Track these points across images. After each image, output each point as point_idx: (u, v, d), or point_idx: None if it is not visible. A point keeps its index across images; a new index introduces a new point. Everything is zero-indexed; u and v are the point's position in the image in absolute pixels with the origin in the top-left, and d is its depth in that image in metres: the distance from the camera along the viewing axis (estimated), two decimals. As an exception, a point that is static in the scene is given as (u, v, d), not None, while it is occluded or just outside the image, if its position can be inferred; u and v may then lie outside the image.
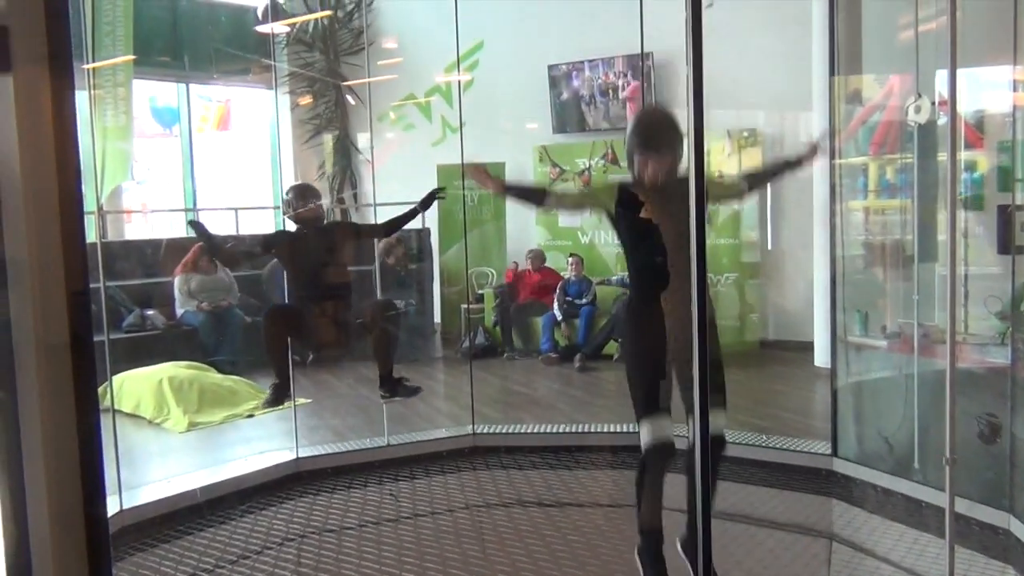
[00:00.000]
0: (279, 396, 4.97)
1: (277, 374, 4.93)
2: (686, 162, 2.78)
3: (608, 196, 3.36)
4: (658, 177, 3.21)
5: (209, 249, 5.21)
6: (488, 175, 3.62)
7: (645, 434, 3.22)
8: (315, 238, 4.93)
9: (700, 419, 1.81)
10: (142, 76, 9.62)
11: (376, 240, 6.52)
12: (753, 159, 8.48)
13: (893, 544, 4.10)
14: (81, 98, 6.58)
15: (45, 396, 1.26)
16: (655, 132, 3.29)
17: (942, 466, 2.81)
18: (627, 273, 3.48)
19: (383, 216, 6.01)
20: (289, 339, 5.04)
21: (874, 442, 4.97)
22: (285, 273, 5.38)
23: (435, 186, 5.32)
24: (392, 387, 5.15)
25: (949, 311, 2.87)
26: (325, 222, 5.22)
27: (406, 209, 5.08)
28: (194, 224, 4.96)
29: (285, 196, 5.05)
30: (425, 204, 5.07)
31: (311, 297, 4.88)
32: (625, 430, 5.69)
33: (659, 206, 3.22)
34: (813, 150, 3.67)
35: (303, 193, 5.04)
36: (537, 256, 9.05)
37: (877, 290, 5.64)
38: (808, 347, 7.55)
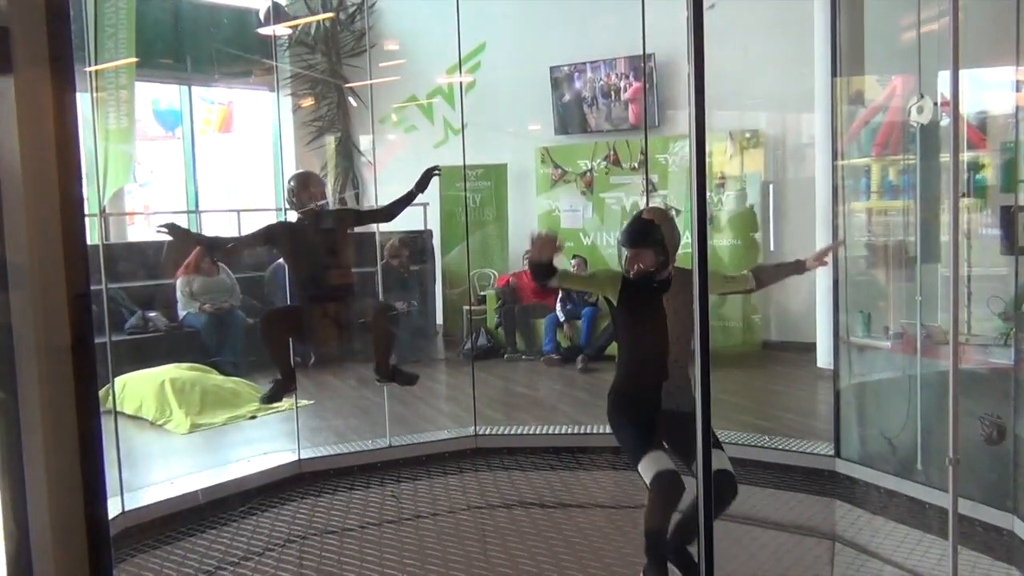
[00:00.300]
0: (280, 391, 4.95)
1: (281, 371, 4.91)
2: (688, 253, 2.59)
3: (612, 285, 3.54)
4: (638, 270, 3.45)
5: (204, 247, 5.14)
6: (553, 247, 3.51)
7: (647, 469, 3.33)
8: (317, 227, 4.86)
9: (702, 419, 1.81)
10: (144, 78, 9.64)
11: (378, 233, 6.52)
12: (755, 160, 8.48)
13: (896, 545, 4.10)
14: (83, 100, 6.59)
15: (46, 398, 1.26)
16: (635, 229, 3.54)
17: (945, 467, 2.80)
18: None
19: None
20: (289, 339, 5.04)
21: (877, 443, 4.96)
22: (286, 265, 5.33)
23: (435, 183, 5.26)
24: (388, 373, 5.10)
25: (952, 312, 2.86)
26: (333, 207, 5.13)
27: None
28: (168, 227, 4.68)
29: (288, 184, 4.96)
30: (422, 185, 5.02)
31: (314, 286, 4.85)
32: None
33: (657, 301, 3.46)
34: (820, 260, 3.91)
35: (306, 182, 4.96)
36: (536, 258, 9.05)
37: (880, 291, 5.64)
38: (811, 348, 7.54)
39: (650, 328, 3.49)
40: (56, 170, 1.26)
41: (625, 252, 3.53)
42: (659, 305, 3.48)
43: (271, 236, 5.00)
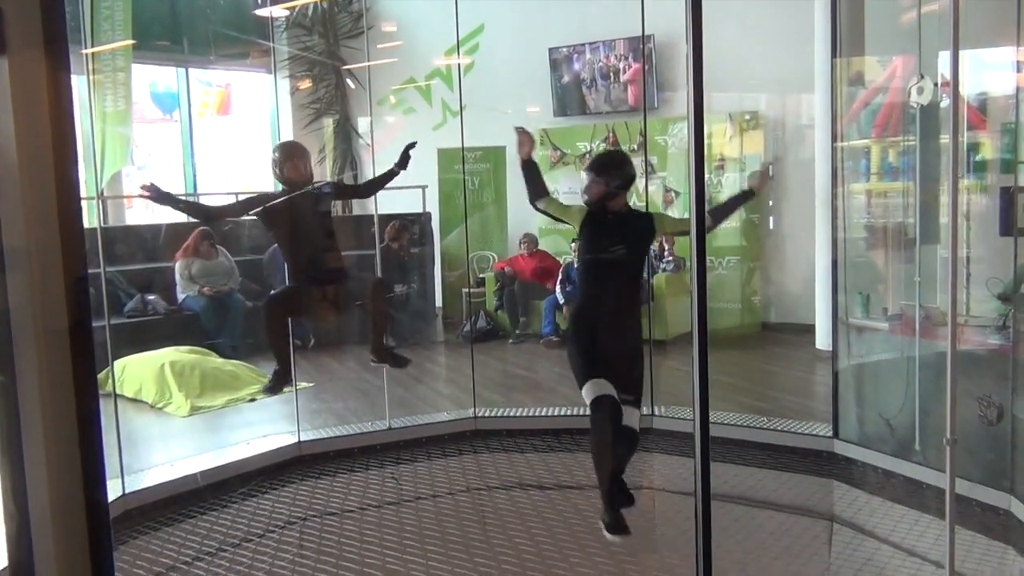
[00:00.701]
0: (279, 382, 4.96)
1: (279, 360, 4.92)
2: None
3: (580, 215, 4.05)
4: (596, 191, 3.93)
5: (187, 212, 5.08)
6: (532, 143, 4.25)
7: (588, 393, 3.78)
8: (302, 199, 4.80)
9: (700, 403, 1.81)
10: (141, 61, 9.58)
11: (376, 216, 6.53)
12: (755, 142, 8.45)
13: (894, 525, 4.12)
14: (80, 83, 6.57)
15: (45, 382, 1.27)
16: (599, 159, 4.30)
17: (943, 447, 2.81)
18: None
19: (384, 202, 6.01)
20: (290, 324, 5.04)
21: (875, 424, 4.98)
22: (275, 238, 5.30)
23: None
24: (382, 354, 5.14)
25: (951, 293, 2.86)
26: (313, 184, 5.08)
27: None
28: (148, 188, 4.54)
29: (272, 155, 4.90)
30: (402, 163, 5.07)
31: (305, 264, 4.84)
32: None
33: (612, 231, 3.94)
34: (763, 178, 4.31)
35: (290, 153, 4.89)
36: (531, 241, 9.02)
37: (879, 272, 5.64)
38: (810, 330, 7.54)
39: (603, 262, 3.95)
40: (52, 153, 1.25)
41: (586, 178, 3.99)
42: (612, 240, 3.91)
43: (256, 206, 4.94)
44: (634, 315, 4.09)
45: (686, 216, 3.75)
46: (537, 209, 4.26)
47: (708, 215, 3.91)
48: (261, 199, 5.03)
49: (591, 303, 4.01)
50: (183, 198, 5.12)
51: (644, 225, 4.02)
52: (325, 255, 4.87)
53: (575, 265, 8.56)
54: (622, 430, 3.82)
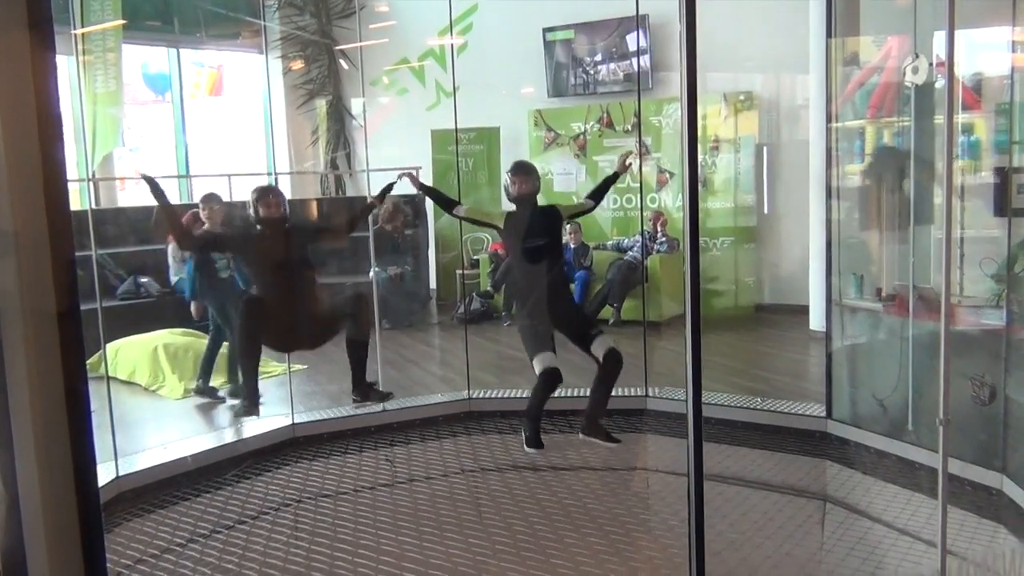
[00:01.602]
0: (252, 405, 5.10)
1: (247, 376, 5.00)
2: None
3: (500, 217, 5.11)
4: (520, 189, 4.99)
5: (163, 210, 5.13)
6: (415, 180, 5.33)
7: (538, 364, 4.85)
8: (276, 240, 5.05)
9: (692, 384, 1.81)
10: (132, 41, 9.51)
11: (369, 198, 6.53)
12: (749, 122, 8.43)
13: (886, 505, 4.14)
14: (70, 64, 6.51)
15: (33, 365, 1.26)
16: (520, 164, 5.28)
17: (935, 427, 2.82)
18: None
19: (376, 182, 6.00)
20: (261, 351, 5.26)
21: (868, 404, 4.99)
22: (250, 276, 5.48)
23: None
24: (364, 392, 5.53)
25: (944, 273, 2.86)
26: (287, 225, 5.28)
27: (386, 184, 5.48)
28: (147, 179, 4.88)
29: (251, 196, 5.13)
30: (381, 197, 5.54)
31: (274, 299, 4.95)
32: (620, 393, 5.71)
33: (528, 227, 4.95)
34: (622, 163, 5.39)
35: (264, 194, 5.13)
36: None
37: (873, 253, 5.64)
38: (804, 311, 7.56)
39: (531, 249, 4.92)
40: (38, 134, 1.23)
41: (510, 179, 5.04)
42: (533, 231, 4.92)
43: (225, 245, 5.34)
44: (565, 284, 5.26)
45: (583, 201, 5.38)
46: (458, 217, 5.21)
47: (588, 200, 5.29)
48: (235, 240, 5.19)
49: (530, 285, 5.00)
50: (169, 204, 5.16)
51: (553, 214, 5.11)
52: (290, 272, 4.98)
53: (570, 246, 8.59)
54: (605, 362, 4.91)
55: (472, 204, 5.10)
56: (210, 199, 6.02)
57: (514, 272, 5.20)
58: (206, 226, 5.86)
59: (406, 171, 5.36)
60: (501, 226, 5.05)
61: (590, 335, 4.96)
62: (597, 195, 5.30)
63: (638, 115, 8.67)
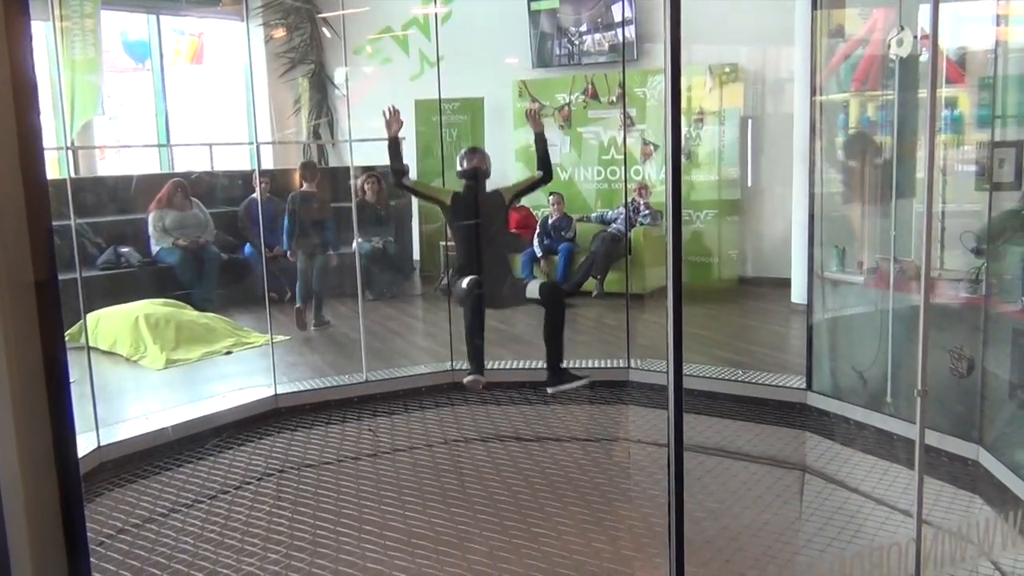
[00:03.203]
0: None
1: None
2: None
3: (447, 194, 5.22)
4: (471, 163, 5.17)
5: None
6: (399, 124, 5.10)
7: (460, 285, 5.00)
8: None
9: (674, 355, 1.82)
10: (111, 7, 9.36)
11: (352, 168, 6.52)
12: (735, 95, 8.41)
13: (864, 475, 4.19)
14: (47, 29, 6.40)
15: (11, 336, 1.24)
16: (472, 146, 5.63)
17: (914, 399, 2.85)
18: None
19: (359, 151, 5.96)
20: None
21: (848, 376, 5.04)
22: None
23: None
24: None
25: (924, 246, 2.88)
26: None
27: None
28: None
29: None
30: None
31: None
32: (603, 365, 5.74)
33: (470, 208, 5.10)
34: (534, 121, 5.33)
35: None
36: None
37: (855, 226, 5.66)
38: (786, 284, 7.59)
39: (469, 217, 5.08)
40: (12, 101, 1.21)
41: (460, 158, 5.24)
42: (473, 210, 5.08)
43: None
44: (504, 263, 5.37)
45: (529, 176, 5.43)
46: (404, 187, 5.27)
47: (537, 173, 5.21)
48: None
49: (468, 262, 5.10)
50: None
51: (496, 197, 5.22)
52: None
53: (550, 221, 8.58)
54: (544, 300, 5.05)
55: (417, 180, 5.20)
56: None
57: (456, 248, 5.25)
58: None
59: (392, 110, 5.06)
60: (447, 203, 5.14)
61: (522, 288, 5.19)
62: (541, 164, 5.21)
63: (623, 86, 8.63)
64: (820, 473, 4.33)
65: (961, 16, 5.27)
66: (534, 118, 5.35)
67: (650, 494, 4.07)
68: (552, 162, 5.34)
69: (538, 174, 5.21)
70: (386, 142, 5.00)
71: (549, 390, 5.11)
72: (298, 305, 7.40)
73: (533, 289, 5.10)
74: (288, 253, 7.86)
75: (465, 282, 4.97)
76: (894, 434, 4.50)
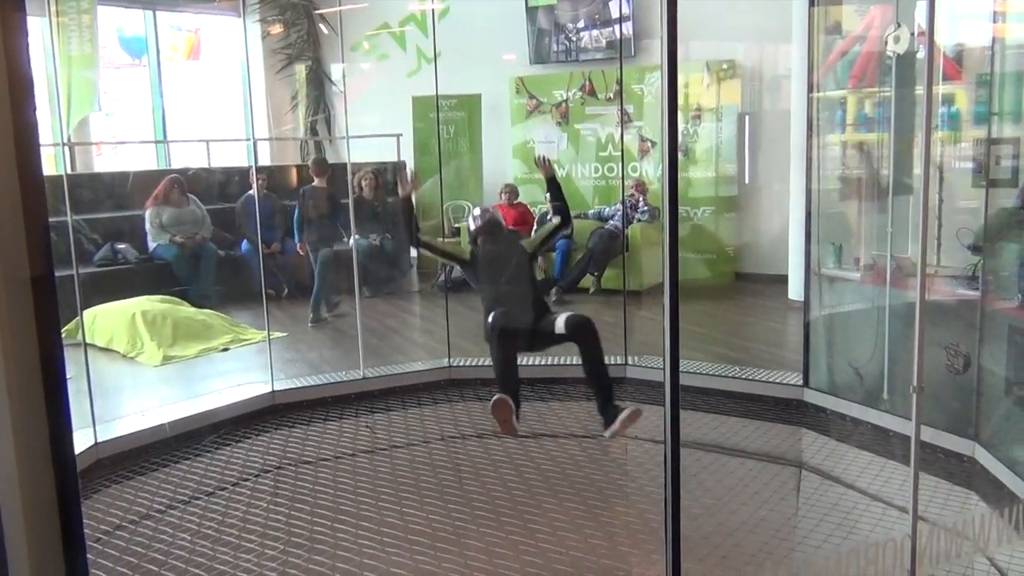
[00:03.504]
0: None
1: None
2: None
3: (466, 255, 4.93)
4: (479, 227, 4.87)
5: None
6: (414, 185, 5.03)
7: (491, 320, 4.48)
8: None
9: (670, 352, 1.82)
10: (107, 3, 9.34)
11: (349, 165, 6.50)
12: (732, 91, 8.41)
13: (860, 472, 4.20)
14: (43, 25, 6.40)
15: (7, 332, 1.24)
16: (484, 215, 5.00)
17: (910, 395, 2.85)
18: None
19: (358, 150, 5.95)
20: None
21: (845, 373, 5.05)
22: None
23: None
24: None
25: (921, 243, 2.88)
26: None
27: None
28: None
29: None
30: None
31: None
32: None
33: (496, 256, 4.78)
34: (543, 167, 4.97)
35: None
36: (512, 191, 8.98)
37: (852, 223, 5.67)
38: (783, 280, 7.60)
39: (494, 271, 4.72)
40: (8, 97, 1.21)
41: (472, 220, 4.95)
42: (498, 262, 4.74)
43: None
44: (533, 299, 4.70)
45: (545, 225, 5.03)
46: (419, 248, 5.08)
47: (554, 218, 4.83)
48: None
49: (497, 301, 4.57)
50: None
51: (520, 250, 4.88)
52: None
53: (548, 217, 8.57)
54: (573, 334, 4.43)
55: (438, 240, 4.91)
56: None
57: (484, 304, 4.73)
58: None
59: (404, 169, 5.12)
60: (468, 260, 4.88)
61: (550, 321, 4.51)
62: (557, 210, 4.84)
63: (620, 83, 8.63)
64: (816, 469, 4.33)
65: (958, 13, 5.28)
66: (544, 165, 4.98)
67: (647, 490, 4.07)
68: (570, 213, 4.94)
69: (556, 220, 4.82)
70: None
71: (606, 434, 4.33)
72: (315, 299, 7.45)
73: (560, 325, 4.45)
74: (298, 247, 7.87)
75: (491, 317, 4.46)
76: (890, 430, 4.51)
